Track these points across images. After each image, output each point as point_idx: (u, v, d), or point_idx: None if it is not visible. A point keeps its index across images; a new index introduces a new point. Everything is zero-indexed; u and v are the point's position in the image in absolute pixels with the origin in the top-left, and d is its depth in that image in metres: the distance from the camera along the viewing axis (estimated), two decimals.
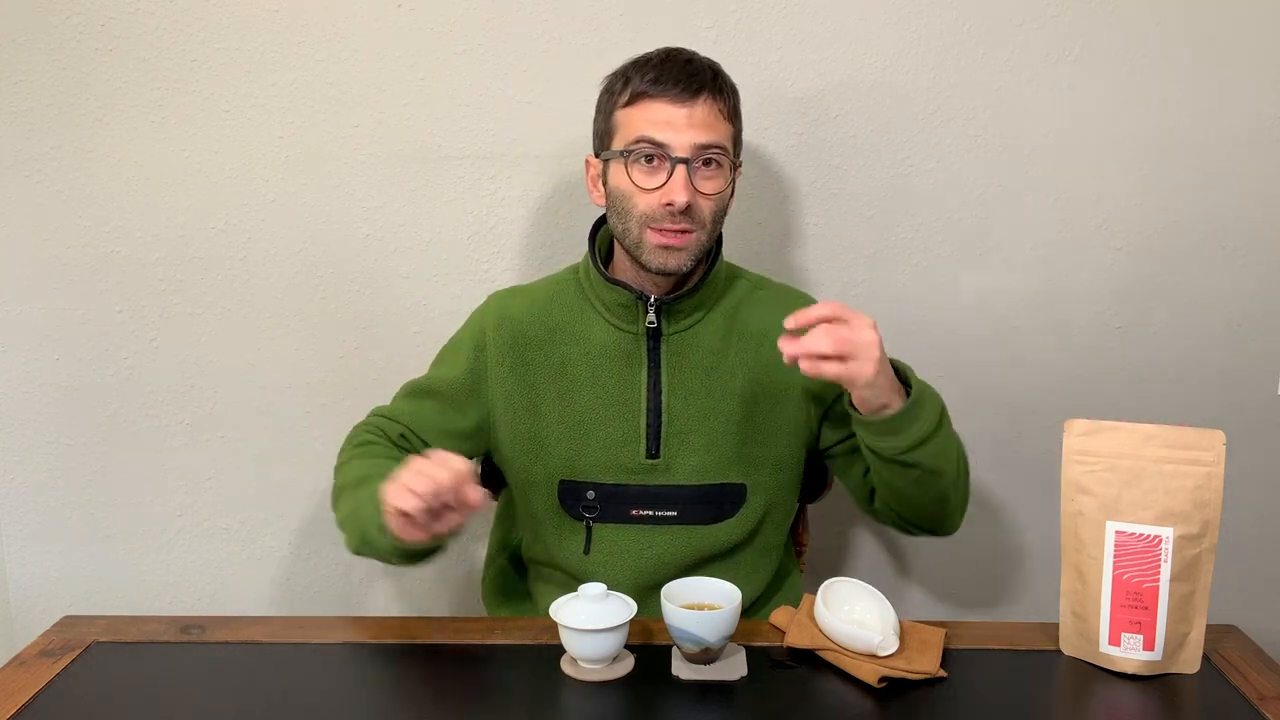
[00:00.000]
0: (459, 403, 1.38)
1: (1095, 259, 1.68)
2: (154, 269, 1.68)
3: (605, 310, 1.35)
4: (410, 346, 1.69)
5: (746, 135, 1.63)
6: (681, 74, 1.26)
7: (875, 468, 1.29)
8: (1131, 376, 1.73)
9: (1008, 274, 1.69)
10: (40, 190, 1.65)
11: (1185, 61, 1.61)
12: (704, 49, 1.59)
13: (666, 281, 1.33)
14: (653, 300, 1.32)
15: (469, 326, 1.41)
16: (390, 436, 1.39)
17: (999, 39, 1.61)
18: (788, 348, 1.14)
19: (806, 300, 1.42)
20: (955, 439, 1.30)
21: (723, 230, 1.38)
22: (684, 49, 1.31)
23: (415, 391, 1.41)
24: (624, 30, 1.60)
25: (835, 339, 1.13)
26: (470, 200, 1.66)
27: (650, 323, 1.33)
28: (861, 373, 1.14)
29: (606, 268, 1.37)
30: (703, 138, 1.25)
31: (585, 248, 1.38)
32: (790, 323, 1.15)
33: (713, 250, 1.36)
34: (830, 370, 1.14)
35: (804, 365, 1.14)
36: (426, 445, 1.39)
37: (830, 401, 1.37)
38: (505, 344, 1.36)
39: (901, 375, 1.23)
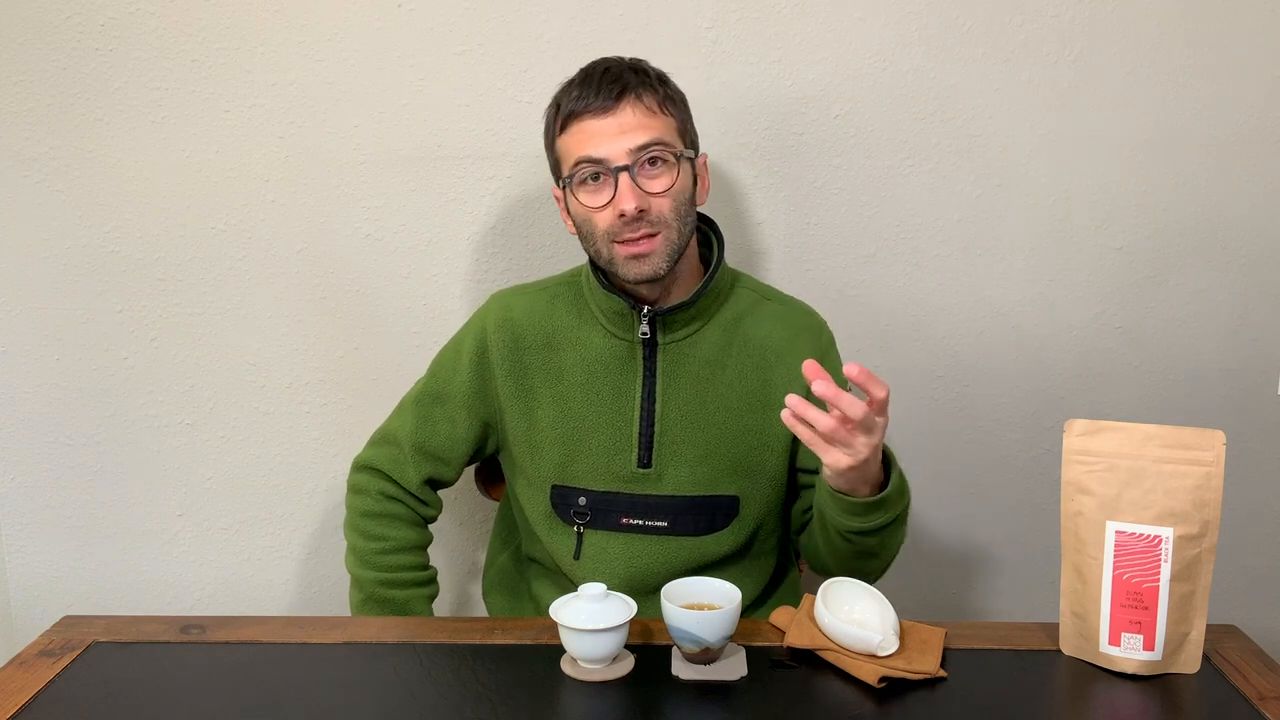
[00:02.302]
0: (469, 405, 1.38)
1: (1095, 259, 1.68)
2: (154, 269, 1.68)
3: (603, 317, 1.35)
4: (410, 346, 1.69)
5: (749, 135, 1.63)
6: (600, 85, 1.26)
7: (817, 520, 1.29)
8: (1131, 376, 1.73)
9: (1007, 274, 1.69)
10: (40, 190, 1.65)
11: (1185, 61, 1.61)
12: (704, 49, 1.60)
13: (655, 289, 1.32)
14: (646, 311, 1.31)
15: (470, 328, 1.41)
16: (406, 489, 1.40)
17: (999, 39, 1.61)
18: (816, 391, 1.08)
19: (813, 318, 1.41)
20: (904, 533, 1.29)
21: (724, 235, 1.38)
22: (604, 59, 1.30)
23: (422, 400, 1.40)
24: (623, 30, 1.60)
25: (835, 428, 1.09)
26: (470, 200, 1.66)
27: (644, 333, 1.32)
28: (835, 461, 1.12)
29: (607, 275, 1.36)
30: (636, 139, 1.24)
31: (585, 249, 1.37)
32: (852, 370, 1.07)
33: (713, 261, 1.35)
34: (804, 435, 1.12)
35: (787, 414, 1.10)
36: (440, 461, 1.40)
37: None
38: (505, 346, 1.36)
39: (886, 459, 1.21)
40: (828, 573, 1.33)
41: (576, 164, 1.26)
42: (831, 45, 1.61)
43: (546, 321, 1.36)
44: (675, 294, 1.34)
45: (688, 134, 1.32)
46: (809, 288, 1.68)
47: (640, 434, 1.33)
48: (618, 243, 1.26)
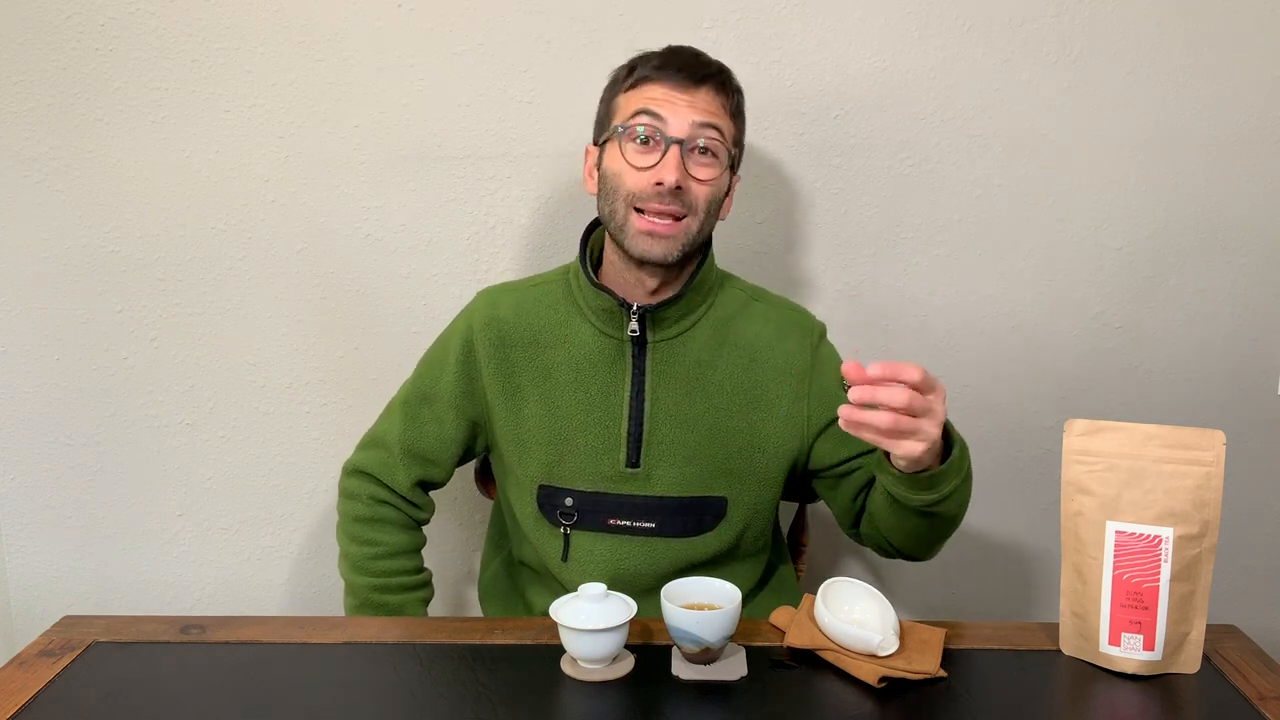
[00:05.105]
0: (457, 405, 1.37)
1: (1095, 259, 1.68)
2: (154, 269, 1.68)
3: (592, 314, 1.33)
4: (410, 346, 1.69)
5: (748, 135, 1.62)
6: (687, 64, 1.26)
7: (892, 510, 1.25)
8: (1131, 376, 1.73)
9: (1007, 274, 1.69)
10: (40, 190, 1.65)
11: (1185, 61, 1.61)
12: (704, 49, 1.59)
13: (651, 282, 1.31)
14: (635, 308, 1.30)
15: (456, 326, 1.40)
16: (397, 492, 1.39)
17: (999, 39, 1.61)
18: (852, 397, 1.06)
19: (803, 317, 1.39)
20: (971, 482, 1.26)
21: (713, 236, 1.37)
22: (693, 46, 1.31)
23: (409, 401, 1.39)
24: (623, 30, 1.60)
25: (896, 420, 1.05)
26: (470, 200, 1.66)
27: (633, 331, 1.31)
28: (909, 450, 1.09)
29: (597, 272, 1.36)
30: (701, 116, 1.24)
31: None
32: (875, 370, 1.04)
33: (700, 256, 1.34)
34: (870, 436, 1.08)
35: (844, 423, 1.07)
36: (430, 462, 1.39)
37: (826, 423, 1.33)
38: (492, 344, 1.35)
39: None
40: (899, 552, 1.33)
41: (635, 114, 1.25)
42: (831, 45, 1.61)
43: (534, 318, 1.35)
44: (666, 292, 1.33)
45: (740, 148, 1.33)
46: (809, 288, 1.68)
47: (629, 433, 1.32)
48: (637, 210, 1.25)
